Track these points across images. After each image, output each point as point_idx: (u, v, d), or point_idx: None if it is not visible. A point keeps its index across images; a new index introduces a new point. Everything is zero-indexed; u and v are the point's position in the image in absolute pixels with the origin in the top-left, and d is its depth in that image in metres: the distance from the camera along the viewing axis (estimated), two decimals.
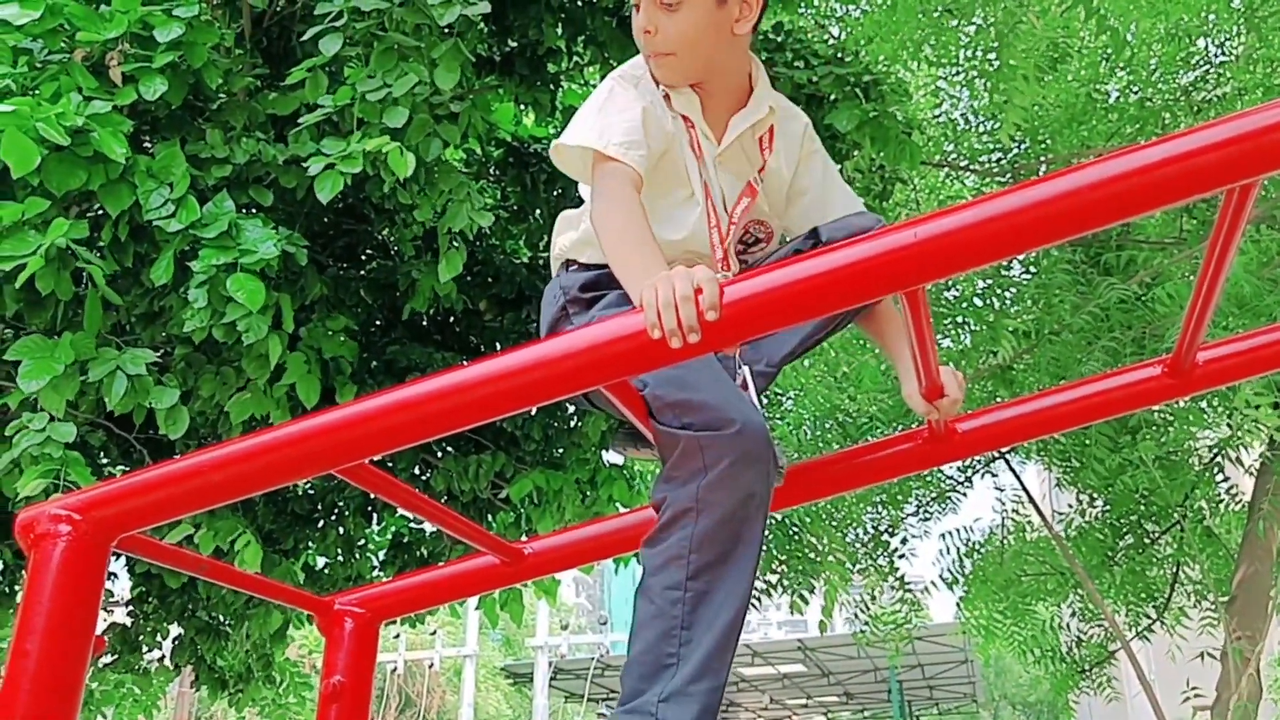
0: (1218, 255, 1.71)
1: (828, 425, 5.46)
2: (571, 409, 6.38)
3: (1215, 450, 5.49)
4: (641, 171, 1.94)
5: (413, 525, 6.61)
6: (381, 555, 6.50)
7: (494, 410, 1.67)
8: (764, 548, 1.85)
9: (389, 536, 6.53)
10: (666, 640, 1.73)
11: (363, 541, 6.40)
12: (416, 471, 6.07)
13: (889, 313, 2.24)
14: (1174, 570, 6.30)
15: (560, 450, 6.45)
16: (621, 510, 6.95)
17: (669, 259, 2.05)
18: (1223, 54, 5.52)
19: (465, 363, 6.62)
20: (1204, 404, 5.22)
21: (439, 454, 6.12)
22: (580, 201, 2.24)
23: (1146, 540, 6.16)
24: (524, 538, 6.67)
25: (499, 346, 6.70)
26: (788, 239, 2.24)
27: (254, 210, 4.42)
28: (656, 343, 1.57)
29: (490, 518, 6.49)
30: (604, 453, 6.53)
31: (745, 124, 2.14)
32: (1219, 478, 5.92)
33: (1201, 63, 5.52)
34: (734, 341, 1.69)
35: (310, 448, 1.71)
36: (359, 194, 4.91)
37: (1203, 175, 1.49)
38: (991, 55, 4.98)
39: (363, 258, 6.38)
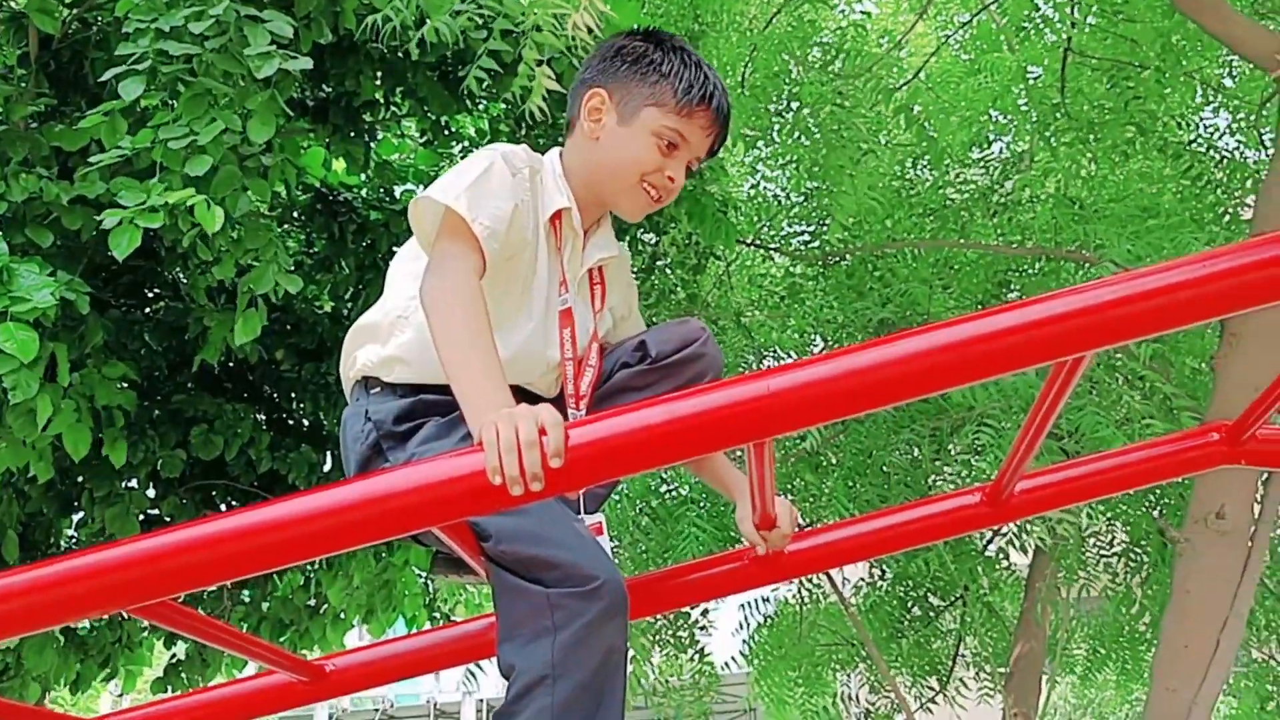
0: (1044, 412, 1.75)
1: (640, 508, 5.43)
2: None
3: (1004, 536, 5.77)
4: (488, 264, 1.83)
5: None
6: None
7: (315, 550, 1.53)
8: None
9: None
10: None
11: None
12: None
13: None
14: (956, 643, 6.57)
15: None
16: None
17: (517, 361, 1.95)
18: (1017, 159, 5.88)
19: (259, 417, 6.18)
20: None
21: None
22: (388, 255, 2.09)
23: (932, 614, 6.41)
24: (311, 600, 6.31)
25: (295, 398, 6.37)
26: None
27: (30, 252, 4.03)
28: (492, 486, 1.47)
29: (278, 579, 6.13)
30: None
31: (599, 254, 2.07)
32: (1003, 560, 6.22)
33: (997, 165, 5.86)
34: (578, 488, 1.60)
35: (93, 586, 1.51)
36: (149, 232, 4.58)
37: (1042, 346, 1.52)
38: (809, 143, 5.12)
39: (149, 296, 5.95)
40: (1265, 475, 4.18)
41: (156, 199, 3.50)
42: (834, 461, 5.13)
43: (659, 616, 5.58)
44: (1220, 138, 5.65)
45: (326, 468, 6.06)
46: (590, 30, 4.62)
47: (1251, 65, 5.15)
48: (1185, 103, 5.51)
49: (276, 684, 2.24)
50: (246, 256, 3.97)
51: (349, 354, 2.01)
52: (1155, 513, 5.24)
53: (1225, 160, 5.32)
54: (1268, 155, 5.34)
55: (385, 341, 1.94)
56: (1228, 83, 5.94)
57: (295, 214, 6.18)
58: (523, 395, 1.95)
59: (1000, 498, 2.16)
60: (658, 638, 5.69)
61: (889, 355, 1.51)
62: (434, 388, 1.90)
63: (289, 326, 6.10)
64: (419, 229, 1.91)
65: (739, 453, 2.02)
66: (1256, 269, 1.51)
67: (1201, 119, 5.77)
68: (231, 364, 5.98)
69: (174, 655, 5.80)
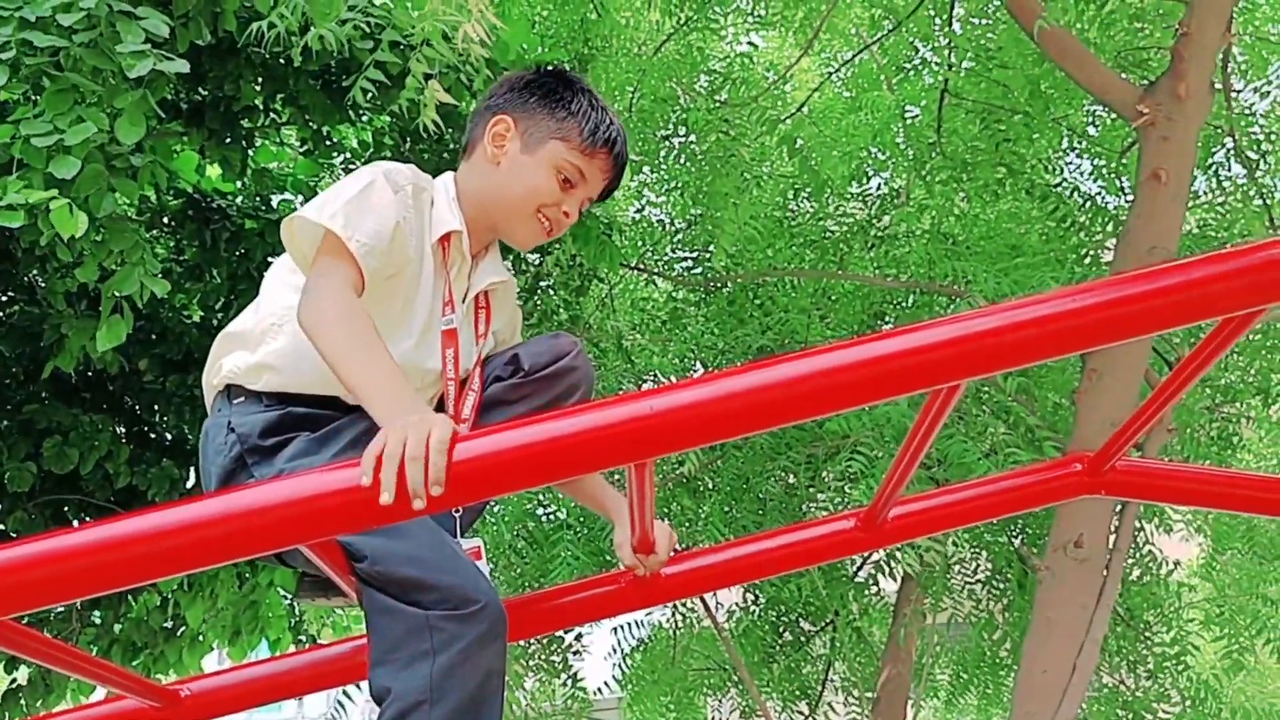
0: (919, 439, 1.78)
1: (517, 532, 5.36)
2: None
3: (875, 565, 5.89)
4: (367, 283, 1.79)
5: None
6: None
7: (175, 567, 1.45)
8: None
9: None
10: None
11: None
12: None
13: None
14: (825, 669, 6.67)
15: None
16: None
17: None
18: (894, 195, 6.05)
19: (118, 429, 5.91)
20: None
21: None
22: (262, 265, 2.02)
23: (803, 639, 6.49)
24: (168, 623, 6.05)
25: (158, 410, 6.12)
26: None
27: None
28: (369, 501, 1.43)
29: (133, 600, 5.85)
30: None
31: (487, 280, 2.05)
32: (870, 583, 6.35)
33: (876, 200, 6.02)
34: (459, 504, 1.56)
35: None
36: (3, 232, 4.34)
37: (917, 374, 1.55)
38: (694, 170, 5.18)
39: (2, 299, 5.65)
40: (1119, 506, 4.36)
41: (15, 197, 3.32)
42: (711, 486, 5.17)
43: (532, 640, 5.52)
44: (1084, 182, 5.92)
45: (189, 484, 5.82)
46: (482, 43, 4.60)
47: (1114, 115, 5.41)
48: (1052, 147, 5.76)
49: (126, 710, 2.12)
50: (111, 259, 3.79)
51: (214, 360, 1.93)
52: (1017, 541, 5.42)
53: (1088, 204, 5.57)
54: (1127, 201, 5.62)
55: (255, 348, 1.87)
56: (1092, 131, 6.24)
57: (165, 219, 5.95)
58: None
59: (875, 523, 2.19)
60: (531, 662, 5.62)
61: (770, 379, 1.52)
62: (303, 398, 1.84)
63: (154, 336, 5.86)
64: (294, 249, 1.86)
65: (618, 475, 2.00)
66: (1123, 304, 1.57)
67: (1067, 164, 6.03)
68: (90, 373, 5.71)
69: (14, 680, 5.48)
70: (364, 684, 1.77)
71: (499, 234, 2.07)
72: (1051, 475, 2.28)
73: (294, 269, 1.93)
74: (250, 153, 5.77)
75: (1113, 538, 4.42)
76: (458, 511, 1.99)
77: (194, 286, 5.98)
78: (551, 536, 4.75)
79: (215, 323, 5.96)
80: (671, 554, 2.12)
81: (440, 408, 1.97)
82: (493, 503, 5.75)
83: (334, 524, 1.48)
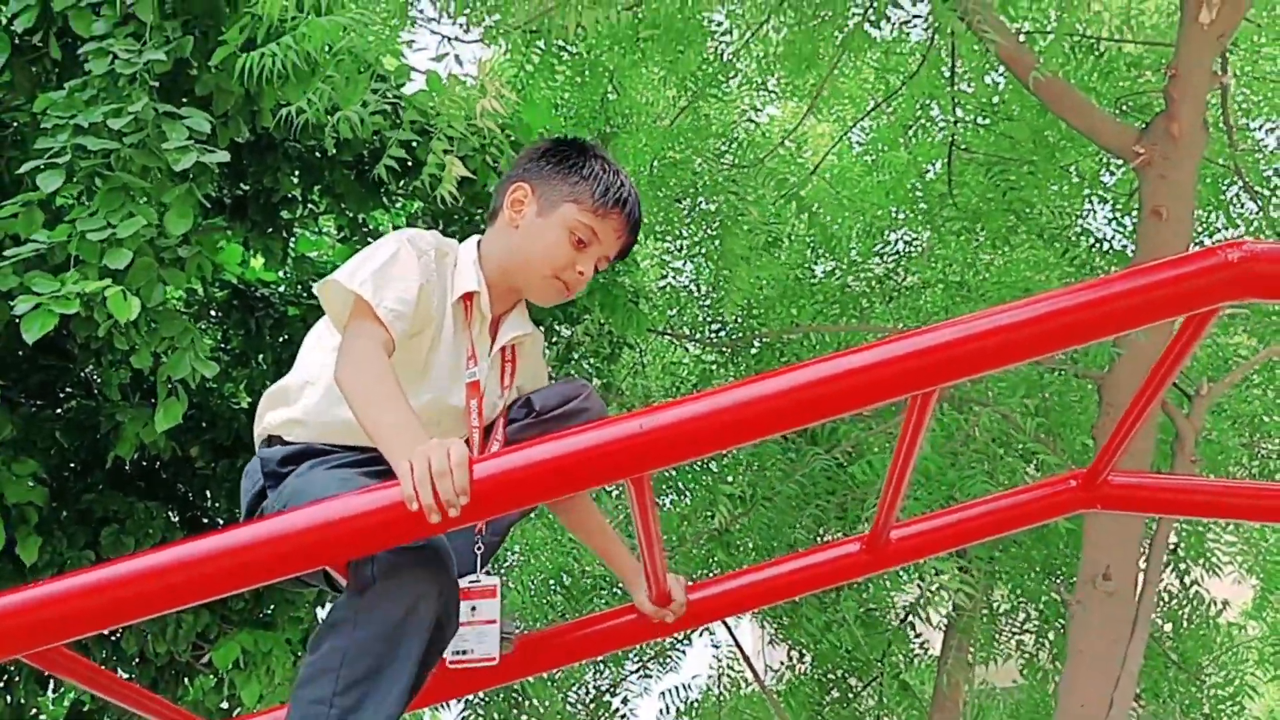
0: (905, 451, 1.90)
1: (553, 587, 5.48)
2: None
3: (908, 610, 5.91)
4: (396, 344, 1.95)
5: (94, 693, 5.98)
6: None
7: (218, 589, 1.60)
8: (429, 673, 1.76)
9: (65, 705, 5.87)
10: None
11: (35, 712, 5.73)
12: (106, 630, 5.55)
13: (589, 511, 2.33)
14: None
15: (272, 608, 6.06)
16: None
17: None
18: (911, 249, 6.21)
19: (171, 515, 6.13)
20: (899, 567, 5.63)
21: None
22: (288, 367, 2.18)
23: (850, 695, 6.49)
24: (225, 704, 6.19)
25: (209, 496, 6.32)
26: None
27: None
28: (392, 521, 1.58)
29: (188, 682, 5.99)
30: (319, 609, 6.20)
31: (510, 335, 2.20)
32: (913, 634, 6.36)
33: (893, 255, 6.18)
34: (481, 518, 1.71)
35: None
36: (62, 330, 4.59)
37: (891, 383, 1.68)
38: (714, 235, 5.37)
39: (60, 395, 5.91)
40: (1149, 539, 4.40)
41: (72, 288, 3.56)
42: (743, 539, 5.26)
43: (580, 704, 5.58)
44: (1097, 226, 6.04)
45: None
46: (504, 125, 4.85)
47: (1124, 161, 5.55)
48: (1061, 193, 5.89)
49: None
50: (162, 345, 4.02)
51: (260, 416, 2.11)
52: (1056, 581, 5.44)
53: (1099, 246, 5.69)
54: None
55: (292, 404, 2.05)
56: (1107, 178, 6.37)
57: (212, 310, 6.22)
58: None
59: (877, 545, 2.30)
60: None
61: (753, 393, 1.66)
62: (324, 445, 2.01)
63: (204, 423, 6.08)
64: (330, 309, 2.04)
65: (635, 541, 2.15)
66: (1084, 309, 1.70)
67: (1080, 209, 6.16)
68: (144, 462, 5.93)
69: None
70: None
71: (521, 292, 2.22)
72: (1047, 492, 2.37)
73: (331, 330, 2.11)
74: (291, 242, 6.04)
75: (1143, 570, 4.44)
76: (479, 548, 2.13)
77: (240, 373, 6.22)
78: (588, 592, 4.85)
79: None
80: (687, 600, 2.24)
81: None
82: (528, 557, 5.89)
83: (370, 542, 1.62)
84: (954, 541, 2.43)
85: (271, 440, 2.05)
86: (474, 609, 2.03)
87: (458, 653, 2.00)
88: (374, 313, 1.92)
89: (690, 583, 2.28)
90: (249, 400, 6.30)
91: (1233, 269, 1.67)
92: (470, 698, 6.01)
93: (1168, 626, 6.65)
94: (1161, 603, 6.59)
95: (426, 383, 2.10)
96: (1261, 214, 5.62)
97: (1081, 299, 1.71)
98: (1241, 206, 5.85)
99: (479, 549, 2.12)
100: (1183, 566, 6.61)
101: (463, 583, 2.03)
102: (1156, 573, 4.48)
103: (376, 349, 1.89)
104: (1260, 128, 6.17)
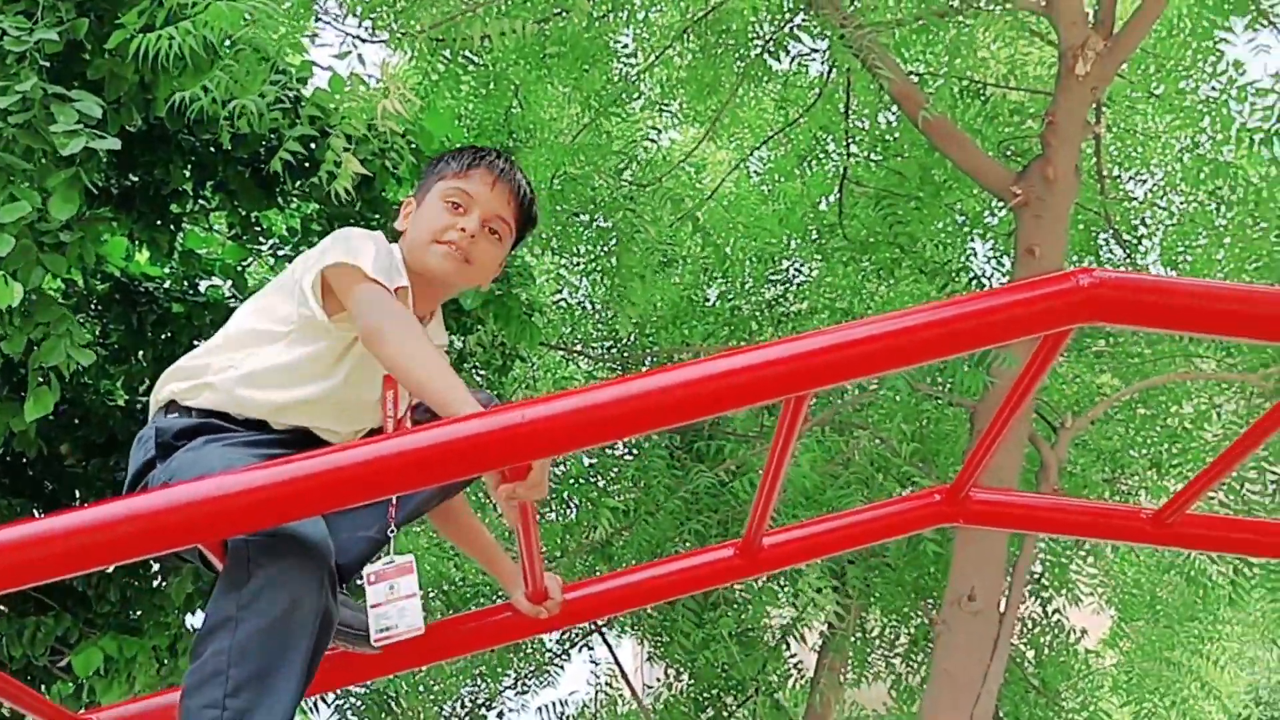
0: (779, 453, 1.98)
1: (432, 594, 5.44)
2: (156, 566, 5.88)
3: (784, 629, 6.03)
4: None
5: None
6: None
7: (92, 561, 1.58)
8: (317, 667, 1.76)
9: None
10: None
11: None
12: None
13: (468, 520, 2.37)
14: None
15: (138, 612, 5.88)
16: None
17: (324, 405, 2.06)
18: (801, 276, 6.38)
19: (37, 514, 5.96)
20: (776, 585, 5.78)
21: None
22: (188, 348, 2.17)
23: (725, 713, 6.57)
24: (83, 710, 5.96)
25: (78, 495, 6.11)
26: None
27: None
28: (280, 497, 1.59)
29: (45, 689, 5.77)
30: (188, 616, 6.04)
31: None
32: (787, 653, 6.48)
33: (783, 281, 6.34)
34: (388, 494, 1.72)
35: None
36: None
37: (765, 385, 1.75)
38: (610, 252, 5.44)
39: None
40: (1013, 560, 4.59)
41: None
42: (624, 552, 5.31)
43: (454, 716, 5.54)
44: (976, 262, 6.30)
45: (109, 569, 5.81)
46: (406, 132, 4.84)
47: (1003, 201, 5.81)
48: (946, 230, 6.13)
49: None
50: (37, 333, 3.90)
51: (162, 385, 2.08)
52: (927, 603, 5.62)
53: (981, 283, 5.94)
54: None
55: (207, 376, 2.04)
56: (989, 218, 6.65)
57: (92, 303, 6.04)
58: (310, 438, 2.07)
59: (751, 550, 2.37)
60: None
61: (633, 390, 1.71)
62: (225, 417, 2.00)
63: (76, 420, 5.88)
64: (337, 284, 2.00)
65: (513, 549, 2.18)
66: (949, 323, 1.80)
67: (966, 247, 6.42)
68: (9, 458, 5.71)
69: None
70: None
71: (434, 290, 2.24)
72: (912, 505, 2.48)
73: (260, 319, 2.10)
74: (179, 237, 5.91)
75: (1007, 593, 4.63)
76: (392, 531, 2.14)
77: (118, 369, 6.04)
78: (468, 600, 4.84)
79: (139, 406, 6.01)
80: (562, 598, 2.28)
81: None
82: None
83: (250, 520, 1.62)
84: (824, 549, 2.52)
85: (170, 407, 2.03)
86: (391, 587, 2.04)
87: (381, 630, 2.01)
88: (382, 284, 1.95)
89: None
90: (125, 398, 6.12)
91: (1083, 293, 1.79)
92: (341, 703, 5.93)
93: (1030, 653, 6.92)
94: (1024, 629, 6.85)
95: (347, 370, 2.11)
96: (1128, 260, 5.94)
97: (947, 314, 1.81)
98: (1110, 252, 6.17)
99: (391, 533, 2.13)
100: (1045, 595, 6.90)
101: (377, 565, 2.06)
102: (1019, 596, 4.67)
103: (395, 301, 1.94)
104: (1130, 179, 6.52)
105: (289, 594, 1.68)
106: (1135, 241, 6.01)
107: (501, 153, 2.26)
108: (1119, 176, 6.47)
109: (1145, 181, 6.50)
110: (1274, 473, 5.81)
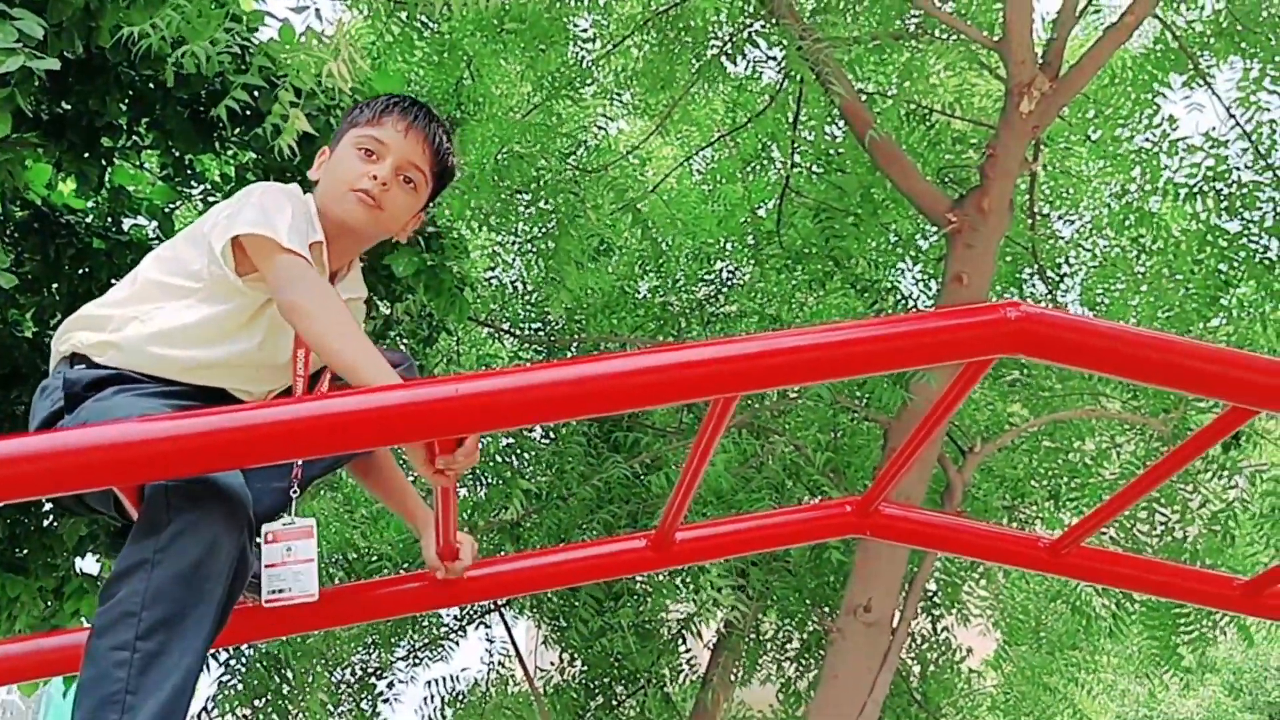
0: (701, 449, 2.01)
1: (336, 559, 5.39)
2: (48, 506, 5.73)
3: (682, 624, 6.10)
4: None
5: None
6: None
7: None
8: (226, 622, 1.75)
9: None
10: (108, 707, 1.58)
11: None
12: None
13: (389, 470, 2.34)
14: None
15: (25, 551, 5.72)
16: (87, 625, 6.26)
17: (234, 367, 2.04)
18: (734, 279, 6.44)
19: None
20: (678, 580, 5.84)
21: None
22: (106, 286, 2.13)
23: (614, 702, 6.62)
24: None
25: None
26: None
27: None
28: (194, 449, 1.58)
29: None
30: (78, 560, 5.89)
31: (346, 295, 2.19)
32: (682, 649, 6.55)
33: (716, 282, 6.40)
34: (295, 457, 1.71)
35: None
36: None
37: (697, 383, 1.78)
38: (547, 235, 5.44)
39: None
40: (910, 575, 4.71)
41: None
42: (534, 535, 5.32)
43: (344, 683, 5.49)
44: (905, 283, 6.43)
45: None
46: (353, 90, 4.77)
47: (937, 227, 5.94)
48: (880, 249, 6.25)
49: None
50: None
51: (66, 333, 2.02)
52: (824, 611, 5.72)
53: (904, 302, 6.07)
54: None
55: (111, 331, 1.99)
56: (921, 242, 6.79)
57: (9, 229, 5.84)
58: (222, 395, 2.04)
59: (664, 543, 2.40)
60: (340, 706, 5.59)
61: (567, 375, 1.73)
62: (136, 373, 1.96)
63: None
64: (252, 250, 1.96)
65: (428, 492, 2.17)
66: (878, 342, 1.85)
67: (892, 265, 6.56)
68: None
69: None
70: None
71: (347, 237, 2.21)
72: (823, 514, 2.54)
73: (169, 272, 2.06)
74: (109, 172, 5.74)
75: (901, 608, 4.75)
76: (295, 492, 2.12)
77: (30, 300, 5.86)
78: (371, 569, 4.81)
79: (48, 339, 5.83)
80: (473, 561, 2.27)
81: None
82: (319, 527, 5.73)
83: (164, 467, 1.61)
84: (736, 548, 2.57)
85: (76, 358, 1.98)
86: (289, 549, 2.03)
87: (273, 592, 1.99)
88: (300, 254, 1.92)
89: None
90: (34, 330, 5.95)
91: (1011, 325, 1.85)
92: (232, 661, 5.83)
93: (916, 667, 7.10)
94: (913, 644, 7.03)
95: (254, 332, 2.07)
96: (1049, 296, 6.11)
97: (880, 331, 1.86)
98: (1033, 287, 6.35)
99: (295, 493, 2.11)
100: (937, 612, 7.08)
101: (276, 525, 2.03)
102: (912, 611, 4.80)
103: (317, 276, 1.92)
104: (1059, 218, 6.71)
105: (206, 540, 1.67)
106: (1058, 279, 6.19)
107: (417, 101, 2.23)
108: (1049, 215, 6.65)
109: (1073, 222, 6.69)
110: (1164, 514, 6.04)
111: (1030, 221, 5.75)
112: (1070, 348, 1.87)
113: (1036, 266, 6.04)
